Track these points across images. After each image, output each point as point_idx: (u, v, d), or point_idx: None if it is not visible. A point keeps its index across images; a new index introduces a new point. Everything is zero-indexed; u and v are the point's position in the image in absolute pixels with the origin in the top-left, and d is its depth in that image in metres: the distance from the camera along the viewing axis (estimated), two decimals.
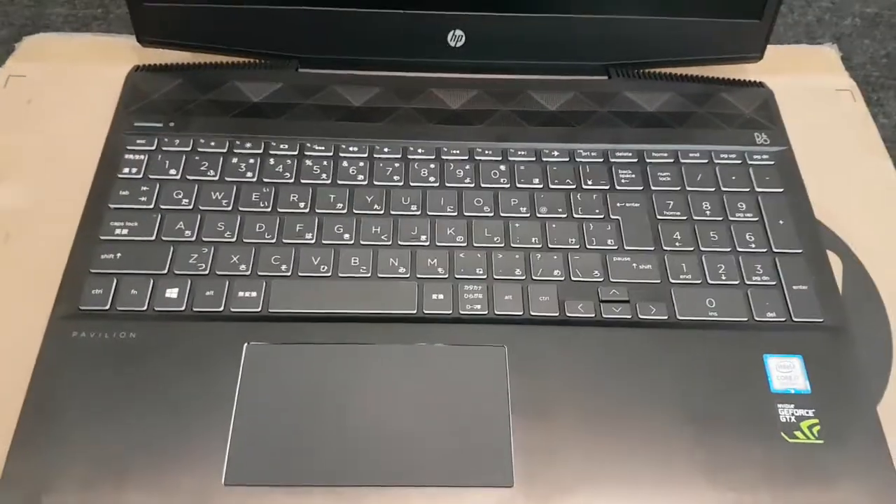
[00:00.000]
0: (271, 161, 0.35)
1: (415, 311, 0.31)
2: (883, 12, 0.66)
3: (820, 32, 0.67)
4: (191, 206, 0.33)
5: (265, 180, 0.35)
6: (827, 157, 0.40)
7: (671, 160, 0.37)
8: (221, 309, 0.30)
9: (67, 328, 0.30)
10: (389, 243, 0.33)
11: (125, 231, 0.32)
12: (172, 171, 0.34)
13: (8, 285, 0.33)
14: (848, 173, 0.40)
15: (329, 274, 0.32)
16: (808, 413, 0.29)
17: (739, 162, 0.37)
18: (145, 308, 0.30)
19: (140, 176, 0.34)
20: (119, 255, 0.32)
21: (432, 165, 0.36)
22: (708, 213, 0.35)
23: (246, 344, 0.29)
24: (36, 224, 0.35)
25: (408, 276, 0.32)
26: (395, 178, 0.35)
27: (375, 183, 0.35)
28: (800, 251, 0.34)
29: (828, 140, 0.41)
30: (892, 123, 0.57)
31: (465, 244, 0.33)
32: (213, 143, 0.35)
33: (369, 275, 0.32)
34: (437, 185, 0.35)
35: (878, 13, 0.66)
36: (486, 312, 0.31)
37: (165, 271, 0.31)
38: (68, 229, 0.33)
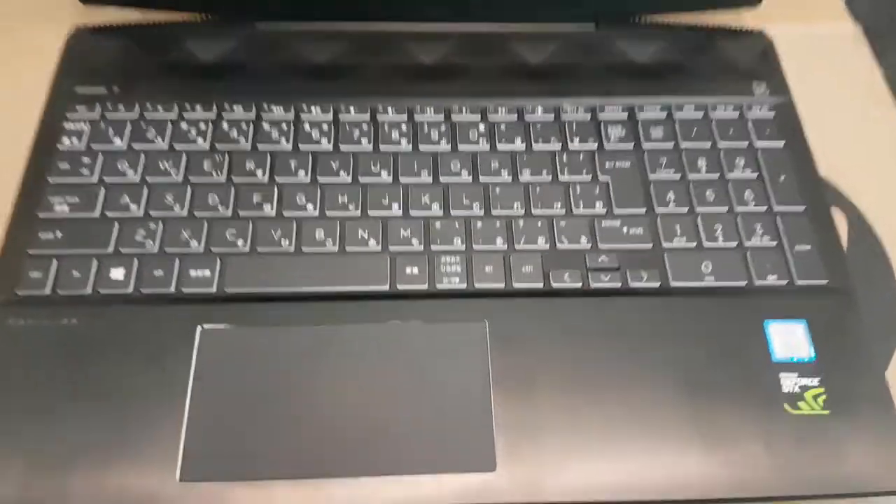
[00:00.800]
0: (225, 126, 0.32)
1: (387, 287, 0.29)
2: None
3: None
4: (137, 179, 0.30)
5: (218, 147, 0.32)
6: (831, 107, 0.37)
7: (664, 115, 0.34)
8: (172, 290, 0.28)
9: (4, 315, 0.27)
10: (358, 214, 0.30)
11: (65, 207, 0.30)
12: (117, 141, 0.31)
13: None
14: (853, 125, 0.37)
15: (291, 249, 0.29)
16: (812, 382, 0.27)
17: (737, 115, 0.34)
18: (89, 291, 0.28)
19: (82, 147, 0.31)
20: (59, 233, 0.29)
21: (404, 127, 0.33)
22: (703, 170, 0.32)
23: (199, 327, 0.27)
24: None
25: (379, 249, 0.29)
26: (363, 141, 0.32)
27: (341, 148, 0.32)
28: (802, 209, 0.32)
29: (832, 91, 0.38)
30: (894, 73, 0.54)
31: (440, 213, 0.31)
32: (160, 109, 0.32)
33: (336, 249, 0.29)
34: (409, 149, 0.32)
35: None
36: (464, 286, 0.29)
37: (110, 250, 0.29)
38: (2, 207, 0.30)
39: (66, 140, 0.31)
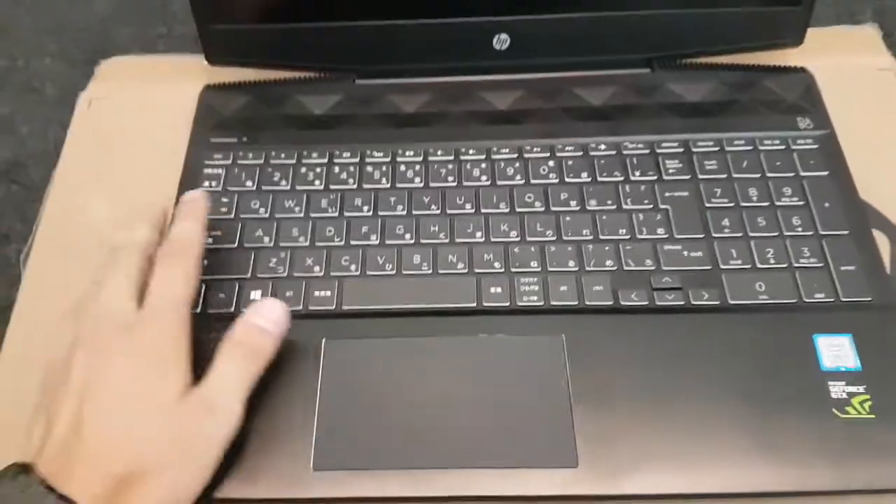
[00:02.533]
0: (336, 169, 0.38)
1: (475, 305, 0.33)
2: None
3: (861, 9, 0.66)
4: (267, 215, 0.36)
5: (332, 187, 0.37)
6: (871, 137, 0.40)
7: (716, 148, 0.38)
8: (301, 308, 0.33)
9: None
10: (447, 241, 0.35)
11: (210, 240, 0.36)
12: (248, 183, 0.37)
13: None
14: (893, 153, 0.40)
15: (394, 272, 0.34)
16: (858, 389, 0.30)
17: (783, 147, 0.38)
18: (233, 309, 0.33)
19: (220, 188, 0.37)
20: (206, 261, 0.35)
21: (483, 165, 0.38)
22: (754, 199, 0.36)
23: (324, 339, 0.32)
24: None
25: (466, 271, 0.34)
26: (450, 178, 0.38)
27: (431, 184, 0.37)
28: (846, 232, 0.35)
29: (871, 121, 0.41)
30: None
31: (518, 239, 0.35)
32: (283, 155, 0.38)
33: (430, 272, 0.34)
34: (489, 183, 0.37)
35: None
36: (542, 303, 0.33)
37: (249, 276, 0.34)
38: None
39: (206, 183, 0.38)
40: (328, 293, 0.34)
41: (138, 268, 0.31)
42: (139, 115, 0.43)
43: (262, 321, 0.30)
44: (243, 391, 0.28)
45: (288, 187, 0.37)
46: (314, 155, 0.38)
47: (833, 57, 0.44)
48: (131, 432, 0.26)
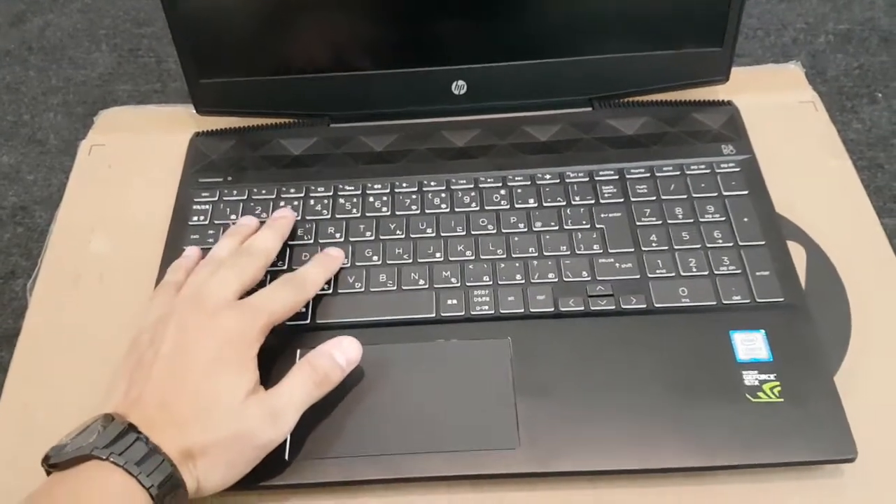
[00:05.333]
0: (311, 202, 0.43)
1: (434, 315, 0.38)
2: (854, 28, 0.71)
3: (796, 51, 0.73)
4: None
5: (307, 218, 0.42)
6: (791, 161, 0.45)
7: (647, 174, 0.43)
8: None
9: None
10: (410, 261, 0.40)
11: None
12: (233, 217, 0.42)
13: (103, 317, 0.41)
14: (810, 174, 0.45)
15: (363, 290, 0.39)
16: (769, 377, 0.34)
17: (708, 171, 0.43)
18: None
19: (207, 222, 0.42)
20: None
21: (443, 195, 0.43)
22: (680, 216, 0.41)
23: (298, 350, 0.36)
24: (125, 265, 0.43)
25: (426, 287, 0.39)
26: (413, 207, 0.42)
27: (397, 213, 0.42)
28: (762, 243, 0.40)
29: (792, 147, 0.46)
30: (865, 128, 0.62)
31: (473, 258, 0.40)
32: (264, 192, 0.43)
33: (395, 288, 0.39)
34: (448, 210, 0.42)
35: (850, 29, 0.71)
36: (492, 312, 0.38)
37: None
38: (152, 268, 0.41)
39: (195, 217, 0.42)
40: (303, 309, 0.38)
41: (253, 275, 0.36)
42: (135, 159, 0.48)
43: (339, 356, 0.33)
44: (301, 410, 0.32)
45: (267, 217, 0.42)
46: (292, 190, 0.43)
47: (760, 91, 0.49)
48: (206, 417, 0.30)
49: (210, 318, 0.32)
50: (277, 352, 0.36)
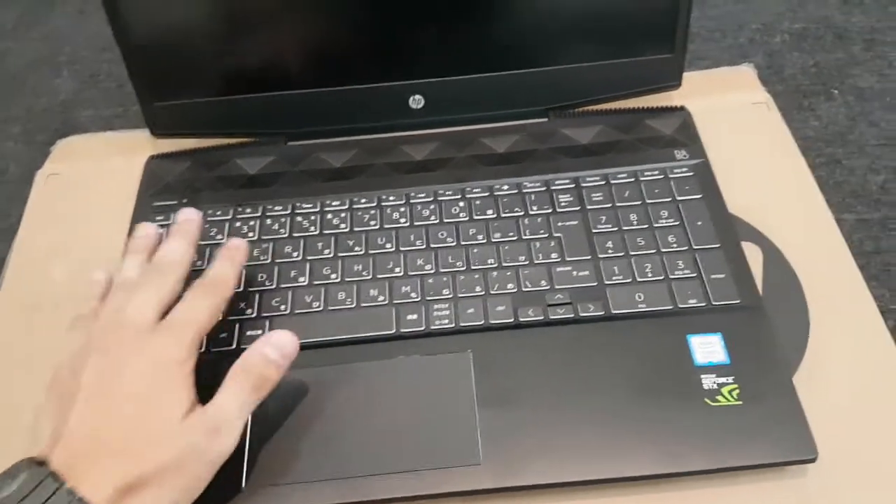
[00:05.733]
0: (268, 221, 0.42)
1: (393, 331, 0.37)
2: (809, 26, 0.72)
3: (753, 51, 0.74)
4: (203, 266, 0.40)
5: (264, 237, 0.42)
6: (745, 162, 0.46)
7: (602, 182, 0.43)
8: (233, 347, 0.37)
9: None
10: (369, 278, 0.40)
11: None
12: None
13: (59, 347, 0.40)
14: (766, 174, 0.46)
15: (321, 308, 0.38)
16: (727, 380, 0.35)
17: (661, 177, 0.43)
18: None
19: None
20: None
21: (402, 209, 0.43)
22: (635, 222, 0.41)
23: None
24: (81, 295, 0.42)
25: (386, 303, 0.39)
26: (372, 223, 0.42)
27: (356, 229, 0.42)
28: (717, 245, 0.40)
29: (745, 148, 0.47)
30: (822, 125, 0.63)
31: (432, 271, 0.40)
32: (219, 213, 0.43)
33: (354, 305, 0.39)
34: (407, 224, 0.42)
35: (805, 27, 0.72)
36: (452, 325, 0.37)
37: None
38: None
39: None
40: (259, 332, 0.37)
41: (172, 288, 0.34)
42: (91, 186, 0.48)
43: (271, 352, 0.32)
44: (245, 416, 0.31)
45: (223, 240, 0.42)
46: (248, 210, 0.43)
47: (713, 95, 0.50)
48: (145, 442, 0.28)
49: (135, 343, 0.31)
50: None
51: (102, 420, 0.29)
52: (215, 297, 0.34)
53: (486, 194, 0.43)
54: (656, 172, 0.43)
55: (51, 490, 0.26)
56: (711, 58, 0.67)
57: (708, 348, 0.36)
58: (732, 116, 0.49)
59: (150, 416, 0.29)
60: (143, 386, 0.30)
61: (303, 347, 0.36)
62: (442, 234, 0.41)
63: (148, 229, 0.38)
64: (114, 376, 0.30)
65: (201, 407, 0.31)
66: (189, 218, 0.38)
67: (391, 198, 0.43)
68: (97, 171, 0.48)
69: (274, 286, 0.39)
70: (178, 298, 0.34)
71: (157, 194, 0.44)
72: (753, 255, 0.41)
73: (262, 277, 0.40)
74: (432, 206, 0.43)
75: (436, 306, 0.38)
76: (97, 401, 0.30)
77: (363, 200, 0.43)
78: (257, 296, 0.39)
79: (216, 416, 0.30)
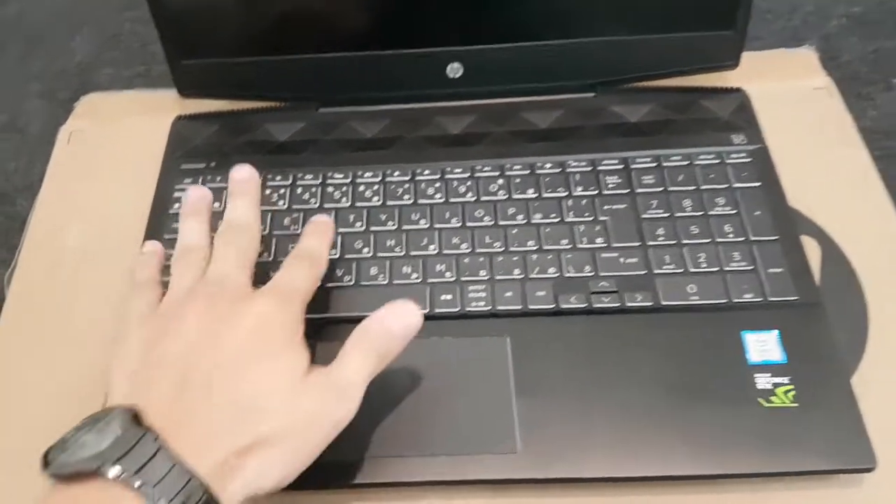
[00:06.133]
0: (299, 190, 0.40)
1: (427, 311, 0.35)
2: (869, 10, 0.68)
3: (807, 34, 0.70)
4: None
5: (294, 207, 0.40)
6: (804, 151, 0.43)
7: (654, 164, 0.41)
8: None
9: None
10: (402, 254, 0.38)
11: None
12: (216, 205, 0.40)
13: (84, 309, 0.39)
14: (825, 164, 0.43)
15: (352, 283, 0.37)
16: (783, 380, 0.32)
17: (717, 161, 0.41)
18: None
19: None
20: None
21: (438, 184, 0.41)
22: (688, 209, 0.39)
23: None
24: (104, 257, 0.41)
25: (419, 281, 0.37)
26: (406, 197, 0.40)
27: (388, 203, 0.40)
28: (775, 238, 0.37)
29: (805, 135, 0.44)
30: (880, 115, 0.60)
31: (468, 251, 0.38)
32: None
33: (386, 282, 0.37)
34: (442, 201, 0.40)
35: (865, 11, 0.68)
36: (489, 308, 0.35)
37: None
38: (130, 259, 0.39)
39: (175, 206, 0.40)
40: None
41: (254, 249, 0.32)
42: (116, 145, 0.46)
43: (395, 322, 0.30)
44: (366, 383, 0.28)
45: None
46: (278, 178, 0.41)
47: (771, 78, 0.47)
48: (263, 403, 0.26)
49: (239, 304, 0.28)
50: None
51: (223, 384, 0.26)
52: (312, 269, 0.32)
53: (527, 172, 0.41)
54: (712, 156, 0.41)
55: (150, 451, 0.23)
56: (762, 40, 0.63)
57: (763, 346, 0.33)
58: (791, 101, 0.46)
59: (269, 381, 0.27)
60: (258, 344, 0.27)
61: (332, 322, 0.35)
62: (479, 213, 0.39)
63: (201, 191, 0.35)
64: (219, 336, 0.27)
65: (322, 368, 0.28)
66: (246, 177, 0.35)
67: (426, 172, 0.41)
68: (122, 130, 0.46)
69: None
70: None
71: (185, 156, 0.43)
72: (810, 250, 0.39)
73: (291, 248, 0.38)
74: (469, 183, 0.41)
75: (471, 287, 0.36)
76: (212, 361, 0.27)
77: (396, 173, 0.41)
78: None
79: (340, 378, 0.28)
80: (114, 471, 0.23)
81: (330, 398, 0.28)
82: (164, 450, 0.24)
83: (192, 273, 0.31)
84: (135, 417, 0.25)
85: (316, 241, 0.34)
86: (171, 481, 0.23)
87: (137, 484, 0.23)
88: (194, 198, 0.35)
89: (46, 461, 0.24)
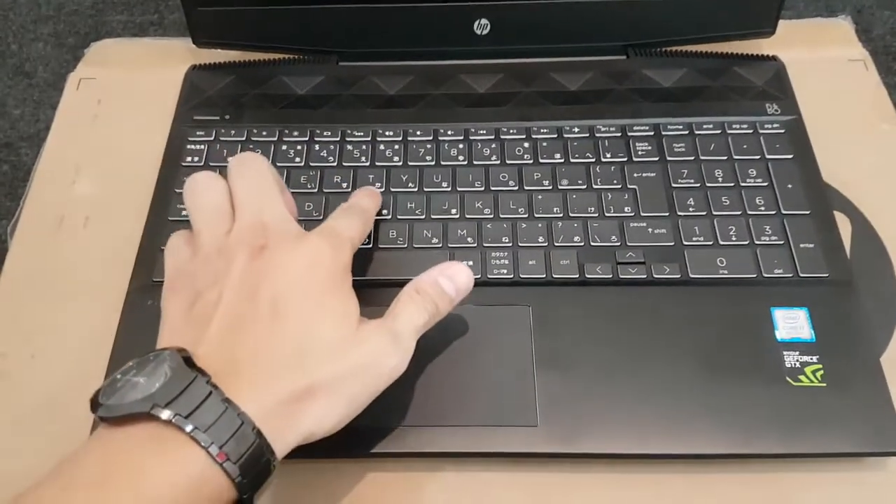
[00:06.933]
0: (316, 147, 0.39)
1: None
2: None
3: (839, 6, 0.68)
4: None
5: (311, 164, 0.38)
6: (839, 124, 0.42)
7: (686, 132, 0.39)
8: None
9: (143, 298, 0.34)
10: (423, 217, 0.36)
11: None
12: (229, 159, 0.38)
13: (90, 262, 0.38)
14: (859, 139, 0.42)
15: (370, 246, 0.36)
16: (812, 359, 0.32)
17: (751, 131, 0.39)
18: None
19: (201, 164, 0.39)
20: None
21: (461, 146, 0.39)
22: (720, 179, 0.37)
23: None
24: (113, 209, 0.39)
25: (440, 245, 0.36)
26: (428, 158, 0.39)
27: (409, 163, 0.39)
28: (807, 212, 0.36)
29: (840, 108, 0.43)
30: None
31: (491, 216, 0.36)
32: (264, 133, 0.39)
33: (406, 246, 0.36)
34: (465, 163, 0.38)
35: None
36: (511, 276, 0.34)
37: None
38: (140, 212, 0.38)
39: (188, 158, 0.39)
40: None
41: (285, 196, 0.31)
42: (126, 95, 0.44)
43: (446, 283, 0.29)
44: (418, 336, 0.28)
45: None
46: (295, 133, 0.39)
47: (806, 47, 0.45)
48: (320, 347, 0.25)
49: (297, 243, 0.27)
50: None
51: (284, 326, 0.25)
52: (361, 220, 0.31)
53: (554, 136, 0.39)
54: (745, 126, 0.39)
55: (201, 395, 0.23)
56: (794, 9, 0.60)
57: (793, 323, 0.33)
58: (825, 72, 0.44)
59: (325, 318, 0.26)
60: (313, 282, 0.26)
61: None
62: (503, 177, 0.38)
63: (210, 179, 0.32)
64: (274, 274, 0.26)
65: (374, 319, 0.28)
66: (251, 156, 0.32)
67: (449, 132, 0.40)
68: (133, 78, 0.45)
69: (321, 218, 0.36)
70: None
71: (198, 107, 0.41)
72: (842, 226, 0.37)
73: (308, 207, 0.37)
74: (493, 146, 0.39)
75: (493, 254, 0.35)
76: (256, 298, 0.26)
77: (418, 133, 0.40)
78: (303, 225, 0.36)
79: (395, 328, 0.27)
80: (165, 413, 0.22)
81: (387, 344, 0.27)
82: (215, 394, 0.23)
83: (227, 222, 0.29)
84: (186, 360, 0.24)
85: (367, 201, 0.34)
86: (222, 426, 0.22)
87: (189, 428, 0.22)
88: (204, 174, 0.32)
89: (97, 403, 0.23)
